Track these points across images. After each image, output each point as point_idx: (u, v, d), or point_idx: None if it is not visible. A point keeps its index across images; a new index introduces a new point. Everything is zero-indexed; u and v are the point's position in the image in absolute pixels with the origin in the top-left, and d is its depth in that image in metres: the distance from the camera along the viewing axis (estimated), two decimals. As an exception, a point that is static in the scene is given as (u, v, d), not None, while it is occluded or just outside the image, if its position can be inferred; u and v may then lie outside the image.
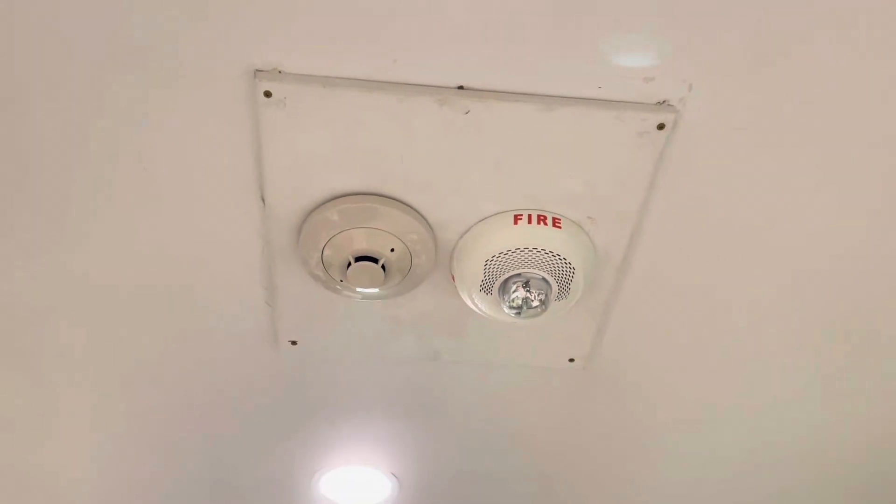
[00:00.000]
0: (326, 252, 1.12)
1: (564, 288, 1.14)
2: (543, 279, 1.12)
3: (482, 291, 1.15)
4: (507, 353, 1.37)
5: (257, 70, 0.98)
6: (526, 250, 1.11)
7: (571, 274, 1.13)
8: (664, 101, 1.00)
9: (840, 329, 1.30)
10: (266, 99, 0.99)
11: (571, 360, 1.38)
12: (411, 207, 1.12)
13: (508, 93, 1.00)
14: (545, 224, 1.12)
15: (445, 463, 1.66)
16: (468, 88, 0.99)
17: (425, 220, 1.13)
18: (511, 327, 1.31)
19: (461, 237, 1.15)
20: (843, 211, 1.13)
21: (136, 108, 1.01)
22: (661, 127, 1.01)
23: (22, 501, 1.77)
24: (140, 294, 1.27)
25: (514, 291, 1.12)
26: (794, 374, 1.40)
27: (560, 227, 1.12)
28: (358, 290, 1.16)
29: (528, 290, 1.12)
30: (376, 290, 1.16)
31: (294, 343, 1.35)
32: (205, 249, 1.20)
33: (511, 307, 1.13)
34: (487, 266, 1.12)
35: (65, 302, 1.28)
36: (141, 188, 1.11)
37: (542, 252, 1.11)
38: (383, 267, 1.11)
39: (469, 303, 1.19)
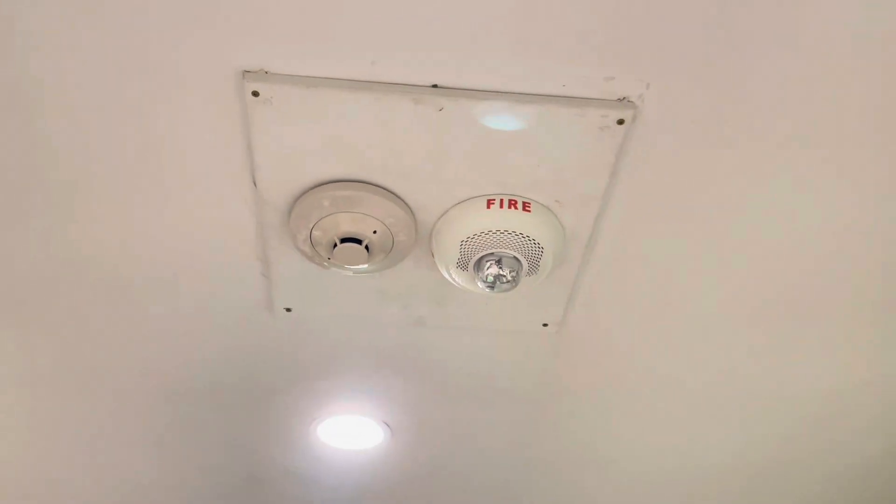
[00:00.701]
0: (315, 233, 1.22)
1: (534, 265, 1.24)
2: (515, 258, 1.22)
3: (459, 268, 1.25)
4: (486, 319, 1.48)
5: (245, 71, 1.05)
6: (498, 232, 1.20)
7: (540, 253, 1.23)
8: (624, 98, 1.08)
9: (786, 299, 1.41)
10: (254, 98, 1.07)
11: (545, 325, 1.49)
12: (392, 193, 1.21)
13: (479, 91, 1.07)
14: (516, 208, 1.21)
15: (432, 413, 1.80)
16: (441, 87, 1.07)
17: (406, 204, 1.22)
18: (488, 297, 1.42)
19: (439, 219, 1.25)
20: (791, 193, 1.22)
21: (138, 107, 1.10)
22: (620, 122, 1.09)
23: (33, 456, 1.92)
24: (149, 269, 1.38)
25: (487, 268, 1.23)
26: (748, 336, 1.51)
27: (530, 211, 1.21)
28: (345, 267, 1.26)
29: (500, 268, 1.22)
30: (362, 266, 1.26)
31: (289, 310, 1.47)
32: (205, 229, 1.30)
33: (485, 283, 1.24)
34: (463, 246, 1.22)
35: (77, 277, 1.39)
36: (145, 177, 1.21)
37: (513, 234, 1.21)
38: (367, 247, 1.21)
39: (447, 277, 1.29)
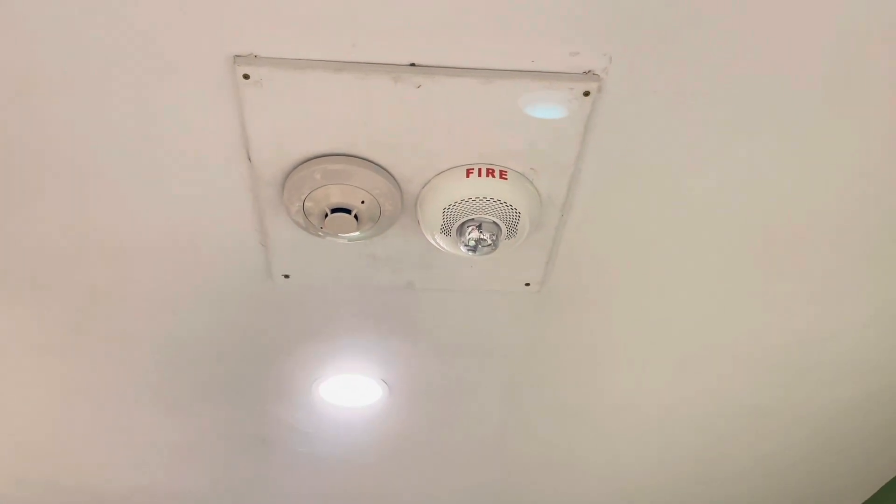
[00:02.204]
0: (307, 204, 1.31)
1: (512, 229, 1.33)
2: (494, 222, 1.31)
3: (443, 233, 1.35)
4: (471, 280, 1.58)
5: (236, 56, 1.13)
6: (478, 199, 1.29)
7: (518, 217, 1.32)
8: (589, 72, 1.16)
9: (755, 254, 1.51)
10: (245, 80, 1.15)
11: (527, 285, 1.59)
12: (378, 165, 1.29)
13: (454, 68, 1.15)
14: (493, 176, 1.30)
15: (426, 371, 1.91)
16: (419, 65, 1.15)
17: (391, 175, 1.31)
18: (472, 260, 1.51)
19: (423, 188, 1.34)
20: (747, 157, 1.30)
21: (137, 92, 1.18)
22: (586, 94, 1.17)
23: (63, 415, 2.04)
24: (154, 243, 1.48)
25: (469, 233, 1.32)
26: (722, 289, 1.61)
27: (506, 179, 1.30)
28: (337, 235, 1.36)
29: (481, 232, 1.31)
30: (352, 234, 1.35)
31: (287, 276, 1.57)
32: (206, 204, 1.39)
33: (467, 246, 1.33)
34: (445, 213, 1.31)
35: (88, 252, 1.49)
36: (146, 157, 1.29)
37: (492, 200, 1.30)
38: (356, 216, 1.31)
39: (432, 242, 1.39)
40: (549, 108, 1.19)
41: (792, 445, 2.20)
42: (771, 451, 2.22)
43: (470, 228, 1.32)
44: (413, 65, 1.15)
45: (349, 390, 2.00)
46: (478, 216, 1.31)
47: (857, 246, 1.50)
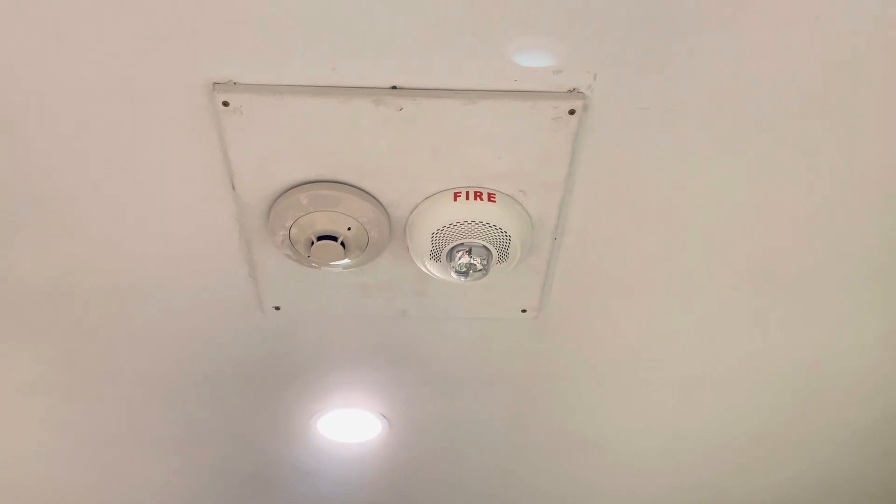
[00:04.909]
0: (293, 231, 1.29)
1: (503, 253, 1.30)
2: (484, 247, 1.28)
3: (432, 259, 1.31)
4: (467, 307, 1.54)
5: (215, 83, 1.12)
6: (466, 223, 1.27)
7: (508, 241, 1.29)
8: (574, 90, 1.14)
9: (755, 272, 1.46)
10: (225, 108, 1.14)
11: (524, 311, 1.55)
12: (364, 191, 1.27)
13: (436, 90, 1.14)
14: (481, 199, 1.27)
15: (426, 404, 1.86)
16: (400, 88, 1.13)
17: (377, 200, 1.29)
18: (466, 286, 1.48)
19: (410, 213, 1.31)
20: (744, 171, 1.27)
21: (117, 122, 1.17)
22: (572, 112, 1.15)
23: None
24: (142, 277, 1.46)
25: (459, 258, 1.29)
26: (723, 310, 1.56)
27: (495, 201, 1.27)
28: (325, 263, 1.33)
29: (471, 257, 1.28)
30: (340, 262, 1.33)
31: (277, 308, 1.54)
32: (192, 235, 1.37)
33: (457, 272, 1.30)
34: (434, 237, 1.29)
35: (74, 288, 1.47)
36: (129, 189, 1.28)
37: (481, 224, 1.27)
38: (342, 244, 1.28)
39: (423, 268, 1.36)
40: (534, 128, 1.17)
41: (805, 470, 2.12)
42: (786, 478, 2.14)
43: (460, 253, 1.29)
44: (395, 87, 1.13)
45: (348, 425, 1.96)
46: (467, 240, 1.28)
47: (863, 263, 1.45)
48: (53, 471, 2.07)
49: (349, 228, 1.28)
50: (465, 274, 1.30)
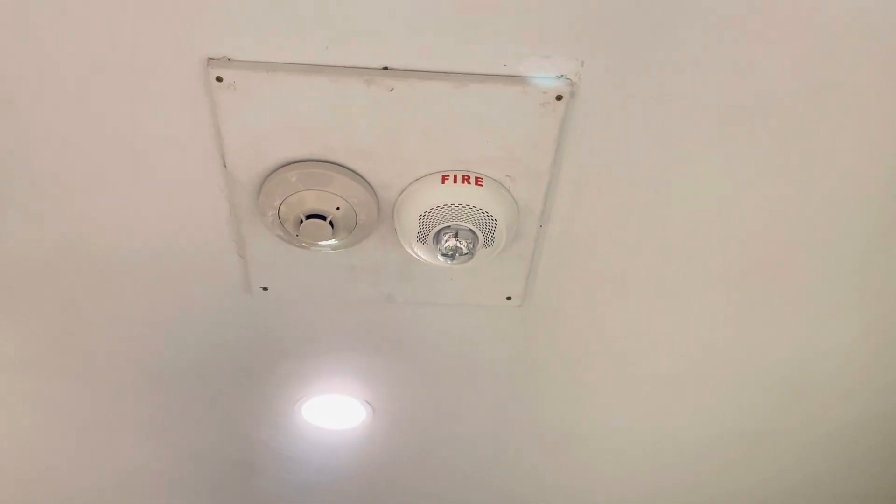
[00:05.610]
0: (282, 209, 1.30)
1: (489, 237, 1.32)
2: (470, 230, 1.30)
3: (419, 241, 1.33)
4: (453, 294, 1.56)
5: (210, 59, 1.14)
6: (453, 206, 1.28)
7: (494, 225, 1.31)
8: (561, 76, 1.16)
9: (743, 267, 1.49)
10: (218, 83, 1.15)
11: (509, 298, 1.57)
12: (354, 171, 1.29)
13: (427, 72, 1.16)
14: (469, 183, 1.29)
15: (411, 391, 1.88)
16: (392, 69, 1.15)
17: (367, 181, 1.30)
18: (453, 271, 1.50)
19: (399, 195, 1.33)
20: (727, 160, 1.29)
21: (111, 98, 1.18)
22: (559, 98, 1.17)
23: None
24: (129, 255, 1.47)
25: (445, 241, 1.31)
26: (708, 303, 1.59)
27: (482, 185, 1.29)
28: (313, 243, 1.34)
29: (457, 240, 1.30)
30: (328, 242, 1.34)
31: (265, 289, 1.55)
32: (182, 212, 1.39)
33: (443, 254, 1.32)
34: (421, 220, 1.30)
35: (62, 264, 1.48)
36: (121, 164, 1.29)
37: (468, 207, 1.29)
38: (331, 223, 1.30)
39: (410, 251, 1.37)
40: (523, 112, 1.19)
41: (787, 468, 2.15)
42: (768, 476, 2.16)
43: (446, 236, 1.30)
44: (386, 68, 1.15)
45: (332, 412, 1.97)
46: (454, 223, 1.29)
47: (846, 262, 1.48)
48: (35, 450, 2.07)
49: (338, 208, 1.29)
50: (452, 257, 1.31)
